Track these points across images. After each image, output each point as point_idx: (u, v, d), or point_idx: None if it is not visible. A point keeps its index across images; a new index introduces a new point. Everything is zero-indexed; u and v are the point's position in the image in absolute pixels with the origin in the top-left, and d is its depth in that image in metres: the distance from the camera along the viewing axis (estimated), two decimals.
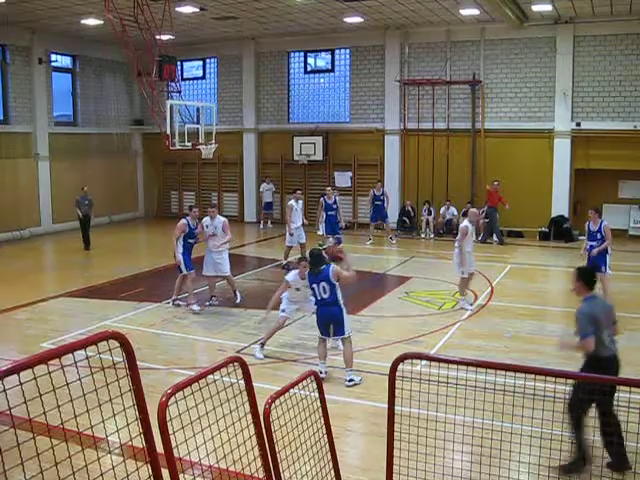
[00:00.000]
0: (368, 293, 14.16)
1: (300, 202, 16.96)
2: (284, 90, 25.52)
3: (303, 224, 16.78)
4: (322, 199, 17.90)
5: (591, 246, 12.57)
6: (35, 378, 2.85)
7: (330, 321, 9.02)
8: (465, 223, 13.05)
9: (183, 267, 12.82)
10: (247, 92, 25.80)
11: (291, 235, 16.39)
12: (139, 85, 19.02)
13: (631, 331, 11.31)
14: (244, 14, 20.47)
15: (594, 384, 5.39)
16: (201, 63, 27.06)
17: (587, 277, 6.67)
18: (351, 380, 8.82)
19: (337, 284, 8.97)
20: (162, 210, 28.12)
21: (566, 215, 21.25)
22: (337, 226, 17.68)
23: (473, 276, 13.13)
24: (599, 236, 12.47)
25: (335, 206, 17.61)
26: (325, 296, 8.99)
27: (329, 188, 18.63)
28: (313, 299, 9.39)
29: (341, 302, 9.02)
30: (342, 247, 10.08)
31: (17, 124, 22.78)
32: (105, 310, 12.80)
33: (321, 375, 8.76)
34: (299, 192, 17.37)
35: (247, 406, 4.28)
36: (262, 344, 10.08)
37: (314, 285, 9.08)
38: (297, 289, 10.19)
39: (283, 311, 10.21)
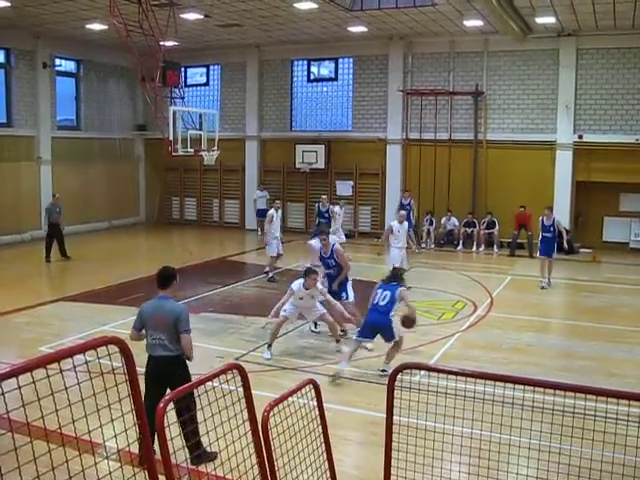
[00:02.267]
0: (366, 302, 14.10)
1: (280, 212, 16.97)
2: (287, 98, 25.58)
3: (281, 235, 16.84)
4: (317, 206, 18.17)
5: (544, 236, 15.91)
6: (34, 382, 2.85)
7: (377, 327, 9.53)
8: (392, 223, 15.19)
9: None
10: (250, 99, 25.86)
11: (269, 245, 16.37)
12: (142, 90, 19.07)
13: (630, 344, 11.31)
14: (248, 22, 20.55)
15: None
16: (205, 70, 27.13)
17: None
18: (384, 371, 9.21)
19: (397, 303, 9.53)
20: (163, 216, 28.13)
21: (567, 227, 21.22)
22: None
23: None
24: (552, 229, 15.82)
25: (327, 214, 17.72)
26: (382, 303, 9.52)
27: (324, 196, 18.76)
28: (318, 308, 9.81)
29: (392, 315, 9.50)
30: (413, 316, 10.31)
31: (20, 127, 22.83)
32: (104, 315, 12.78)
33: (341, 371, 9.33)
34: (278, 202, 17.50)
35: (245, 413, 4.27)
36: (269, 345, 10.31)
37: (379, 290, 9.70)
38: (300, 298, 10.28)
39: (284, 310, 10.31)
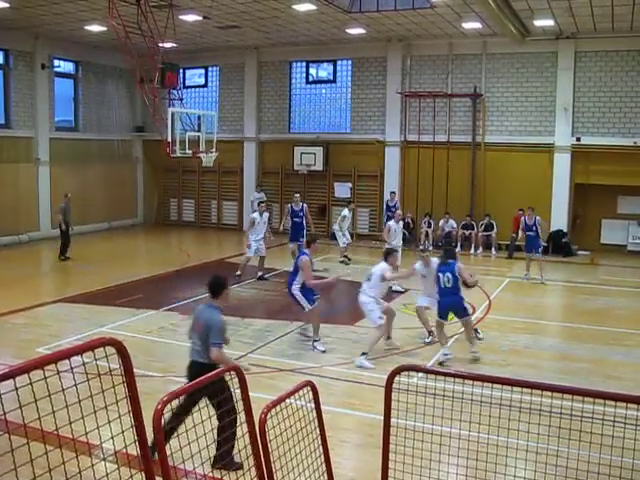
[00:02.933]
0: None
1: (265, 215, 17.02)
2: (285, 100, 25.59)
3: (265, 237, 16.85)
4: (289, 206, 18.08)
5: (528, 235, 16.95)
6: (31, 383, 2.85)
7: (451, 308, 10.42)
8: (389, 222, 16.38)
9: None
10: (248, 101, 25.87)
11: (249, 247, 16.48)
12: (141, 92, 19.06)
13: (627, 347, 11.32)
14: (247, 23, 20.56)
15: None
16: (203, 71, 27.14)
17: None
18: (475, 353, 10.21)
19: (459, 278, 10.37)
20: (161, 217, 28.13)
21: (565, 230, 21.27)
22: (302, 233, 17.33)
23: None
24: (534, 228, 16.81)
25: (302, 214, 17.58)
26: (449, 285, 10.33)
27: (297, 195, 18.61)
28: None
29: (461, 292, 10.42)
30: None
31: (19, 128, 22.81)
32: (102, 316, 12.77)
33: (447, 357, 9.96)
34: (263, 205, 17.58)
35: (243, 415, 4.27)
36: (365, 353, 10.10)
37: (440, 274, 10.46)
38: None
39: (381, 318, 10.45)
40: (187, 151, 17.70)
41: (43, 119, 23.43)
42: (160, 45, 17.74)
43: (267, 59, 25.52)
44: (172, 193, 27.98)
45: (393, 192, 21.37)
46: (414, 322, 12.57)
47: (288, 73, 25.47)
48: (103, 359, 3.16)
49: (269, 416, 4.38)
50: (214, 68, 26.86)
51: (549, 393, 4.58)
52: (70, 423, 3.19)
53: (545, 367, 10.18)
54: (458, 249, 21.55)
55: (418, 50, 23.04)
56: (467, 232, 21.73)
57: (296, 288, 11.03)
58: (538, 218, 17.03)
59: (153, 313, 13.18)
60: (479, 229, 21.69)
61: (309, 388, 4.92)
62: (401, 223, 16.78)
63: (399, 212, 17.22)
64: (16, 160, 22.63)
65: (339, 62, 24.64)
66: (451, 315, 10.55)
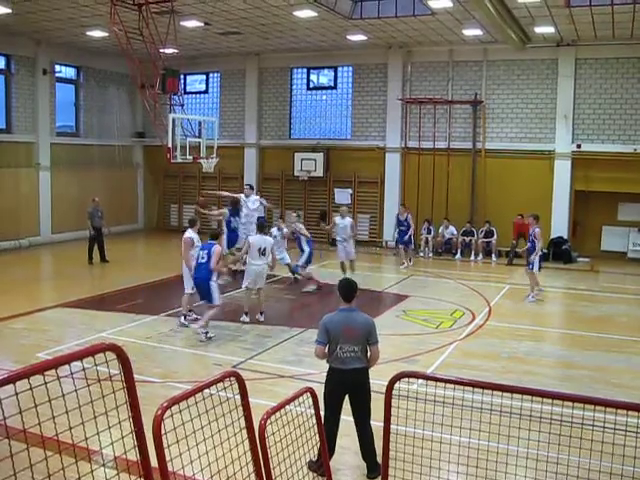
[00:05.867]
0: (365, 311, 14.08)
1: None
2: (286, 106, 25.62)
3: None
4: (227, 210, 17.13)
5: (528, 246, 15.71)
6: (31, 388, 2.84)
7: None
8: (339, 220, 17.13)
9: None
10: (249, 107, 25.91)
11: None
12: (142, 97, 19.08)
13: (628, 354, 11.30)
14: (248, 30, 20.61)
15: None
16: (204, 77, 27.19)
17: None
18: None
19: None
20: (162, 223, 28.14)
21: (565, 236, 21.26)
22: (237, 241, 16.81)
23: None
24: (531, 239, 15.43)
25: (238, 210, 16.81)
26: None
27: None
28: None
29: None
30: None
31: (19, 133, 22.85)
32: (102, 322, 12.75)
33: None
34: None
35: (242, 421, 4.26)
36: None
37: None
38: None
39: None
40: (188, 157, 17.71)
41: (44, 124, 23.46)
42: (161, 51, 17.78)
43: (268, 65, 25.57)
44: (172, 199, 27.99)
45: (403, 205, 20.93)
46: (414, 328, 12.58)
47: (289, 79, 25.51)
48: (103, 364, 3.16)
49: (269, 422, 4.38)
50: (215, 74, 26.91)
51: (549, 400, 4.58)
52: (70, 428, 3.18)
53: (545, 374, 10.16)
54: (458, 256, 21.63)
55: (419, 57, 23.09)
56: (467, 239, 21.73)
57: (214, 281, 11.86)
58: (537, 230, 15.30)
59: (153, 319, 13.16)
60: (479, 236, 21.69)
61: (309, 394, 4.92)
62: (347, 219, 17.25)
63: (344, 207, 18.30)
64: (17, 165, 22.65)
65: (340, 68, 24.69)
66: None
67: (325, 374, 6.74)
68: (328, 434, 6.06)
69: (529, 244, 15.68)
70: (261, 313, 13.13)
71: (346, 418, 6.73)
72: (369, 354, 6.65)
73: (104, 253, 19.58)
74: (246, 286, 13.10)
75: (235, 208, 16.79)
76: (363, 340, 6.56)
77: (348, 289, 6.79)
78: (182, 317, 12.71)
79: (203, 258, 11.67)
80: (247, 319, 12.95)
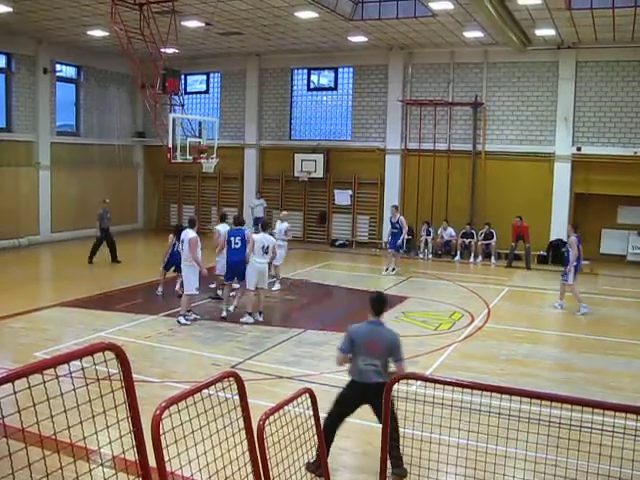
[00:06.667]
0: (364, 312, 14.10)
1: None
2: (286, 107, 25.63)
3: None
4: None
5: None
6: (29, 387, 2.84)
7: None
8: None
9: None
10: (250, 108, 25.91)
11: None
12: (142, 97, 19.07)
13: (627, 357, 11.30)
14: (249, 30, 20.61)
15: None
16: (205, 77, 27.20)
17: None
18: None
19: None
20: (161, 223, 28.13)
21: (565, 239, 21.24)
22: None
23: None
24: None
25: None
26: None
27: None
28: None
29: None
30: None
31: (20, 132, 22.85)
32: (101, 321, 12.75)
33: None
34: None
35: (241, 422, 4.26)
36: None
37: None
38: None
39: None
40: (188, 157, 17.71)
41: (44, 123, 23.47)
42: (162, 51, 17.78)
43: (268, 66, 25.58)
44: (172, 198, 28.00)
45: (395, 206, 19.91)
46: (412, 330, 12.57)
47: (289, 80, 25.52)
48: (102, 364, 3.15)
49: (267, 423, 4.38)
50: (216, 74, 26.92)
51: (548, 402, 4.58)
52: (68, 428, 3.17)
53: (544, 376, 10.16)
54: (458, 257, 21.62)
55: (419, 58, 23.10)
56: (467, 241, 21.74)
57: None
58: (572, 238, 15.23)
59: (152, 318, 13.16)
60: (479, 237, 21.69)
61: (308, 395, 4.92)
62: (285, 223, 16.78)
63: (285, 212, 17.76)
64: (17, 164, 22.65)
65: (340, 69, 24.70)
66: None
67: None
68: (327, 427, 6.04)
69: (565, 254, 15.54)
70: (260, 313, 13.14)
71: (348, 420, 6.72)
72: (391, 369, 6.59)
73: (116, 254, 19.59)
74: (255, 286, 13.07)
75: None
76: (385, 355, 6.54)
77: (379, 303, 6.80)
78: (181, 317, 12.71)
79: (237, 244, 12.99)
80: (251, 319, 12.95)
